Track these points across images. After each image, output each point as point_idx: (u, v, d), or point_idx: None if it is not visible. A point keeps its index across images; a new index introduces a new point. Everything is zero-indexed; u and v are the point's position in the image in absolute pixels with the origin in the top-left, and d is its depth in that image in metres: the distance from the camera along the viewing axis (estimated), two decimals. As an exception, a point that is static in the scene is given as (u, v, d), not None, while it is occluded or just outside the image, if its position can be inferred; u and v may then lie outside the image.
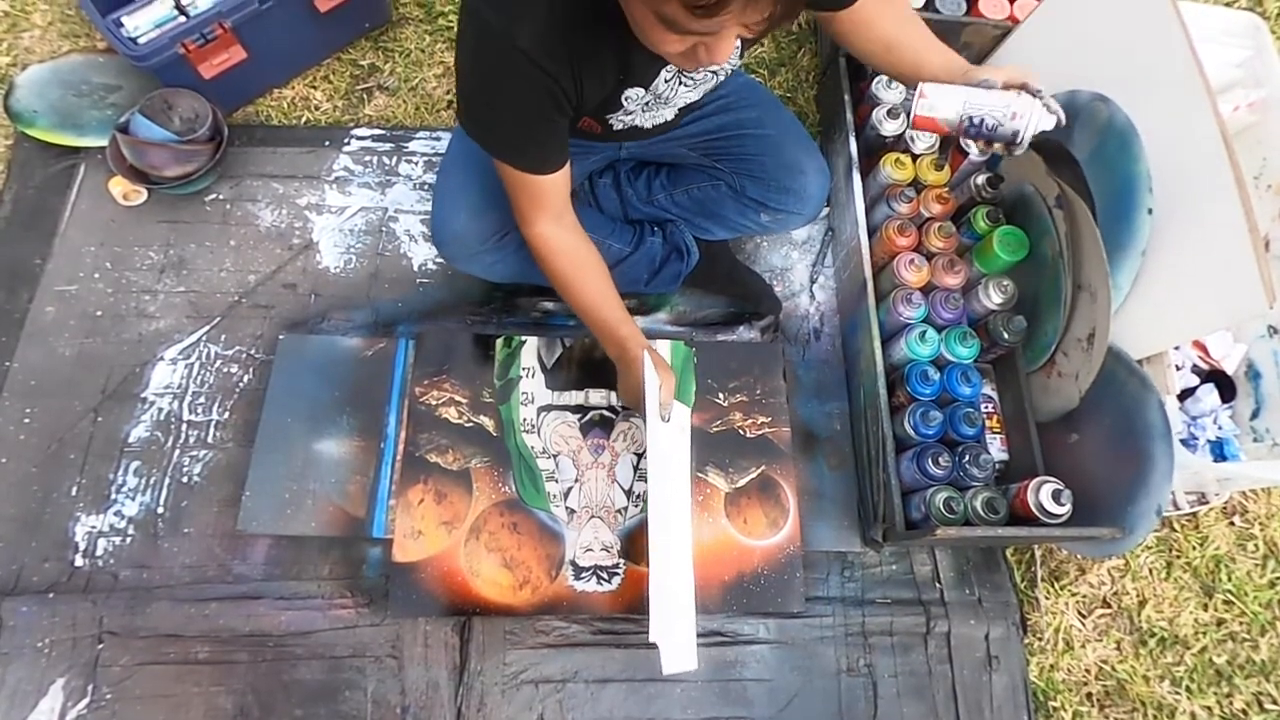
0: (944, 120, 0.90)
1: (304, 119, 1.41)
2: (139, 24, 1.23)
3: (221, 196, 1.34)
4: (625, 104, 0.92)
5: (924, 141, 1.27)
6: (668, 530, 1.04)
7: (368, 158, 1.39)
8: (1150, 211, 0.98)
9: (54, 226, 1.28)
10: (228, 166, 1.34)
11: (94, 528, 1.10)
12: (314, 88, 1.44)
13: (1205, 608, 1.21)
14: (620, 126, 0.97)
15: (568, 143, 0.90)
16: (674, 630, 0.99)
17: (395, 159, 1.39)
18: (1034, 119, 0.87)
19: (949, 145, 1.30)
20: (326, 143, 1.39)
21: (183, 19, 1.24)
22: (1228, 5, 1.72)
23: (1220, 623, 1.20)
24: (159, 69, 1.24)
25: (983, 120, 0.88)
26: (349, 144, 1.40)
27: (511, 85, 0.80)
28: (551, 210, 0.95)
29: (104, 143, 1.28)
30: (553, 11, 0.74)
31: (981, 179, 1.19)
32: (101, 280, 1.25)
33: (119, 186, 1.29)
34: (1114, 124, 1.03)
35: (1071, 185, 1.08)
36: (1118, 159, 1.03)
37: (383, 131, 1.41)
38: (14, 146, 1.33)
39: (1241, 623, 1.21)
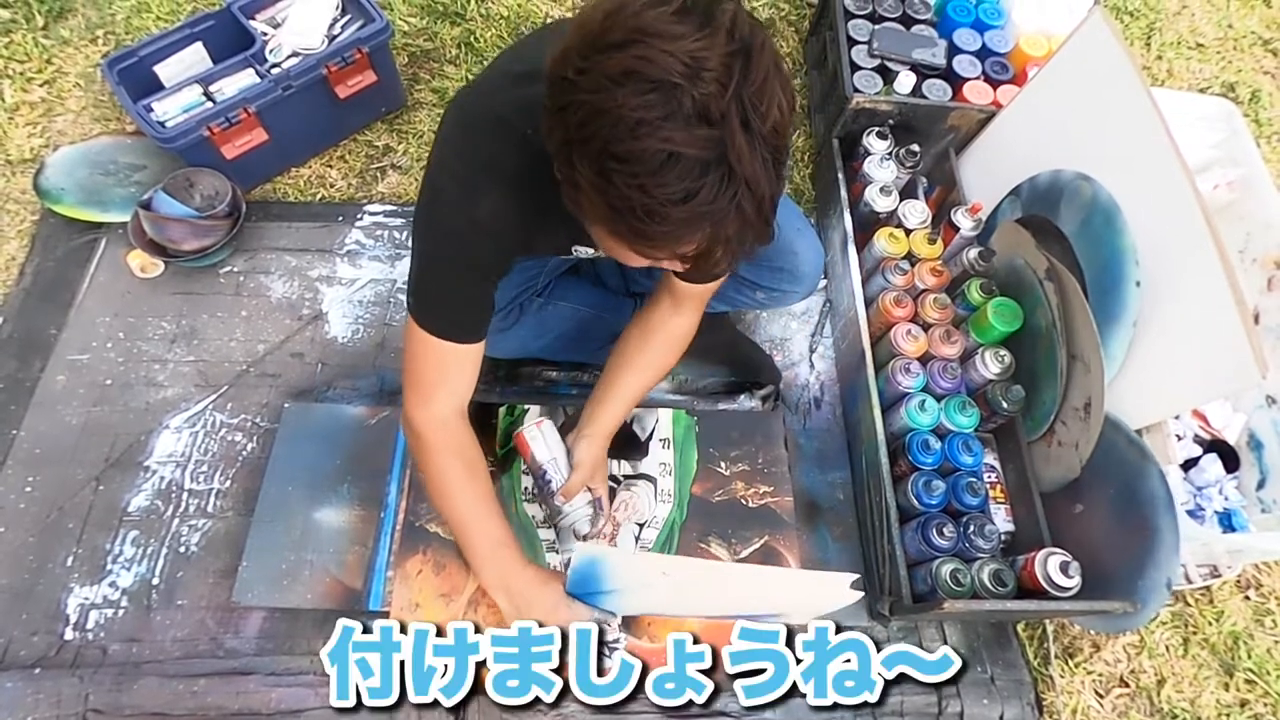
0: (534, 454, 1.09)
1: (319, 196, 1.47)
2: (168, 109, 1.30)
3: (236, 269, 1.38)
4: (576, 253, 0.96)
5: (915, 217, 1.32)
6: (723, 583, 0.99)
7: (379, 232, 1.44)
8: (1138, 284, 1.01)
9: (71, 298, 1.31)
10: (243, 240, 1.39)
11: (87, 599, 1.09)
12: (330, 166, 1.51)
13: (1226, 687, 1.17)
14: (582, 255, 0.98)
15: (488, 322, 0.89)
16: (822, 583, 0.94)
17: (405, 233, 1.44)
18: (578, 515, 1.08)
19: (941, 220, 1.34)
20: (340, 218, 1.44)
21: (209, 104, 1.32)
22: (1201, 92, 1.81)
23: (1244, 704, 1.16)
24: (184, 150, 1.30)
25: (549, 480, 1.08)
26: (361, 219, 1.45)
27: (457, 248, 0.81)
28: (452, 393, 0.91)
29: (126, 218, 1.33)
30: (506, 184, 0.76)
31: (974, 253, 1.23)
32: (113, 349, 1.28)
33: (137, 259, 1.34)
34: (1098, 201, 1.08)
35: (1060, 259, 1.11)
36: (1104, 234, 1.06)
37: (394, 207, 1.47)
38: (40, 222, 1.38)
39: (1266, 703, 1.16)
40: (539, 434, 1.10)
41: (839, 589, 0.91)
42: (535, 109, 0.62)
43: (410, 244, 0.91)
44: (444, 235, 0.82)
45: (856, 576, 0.93)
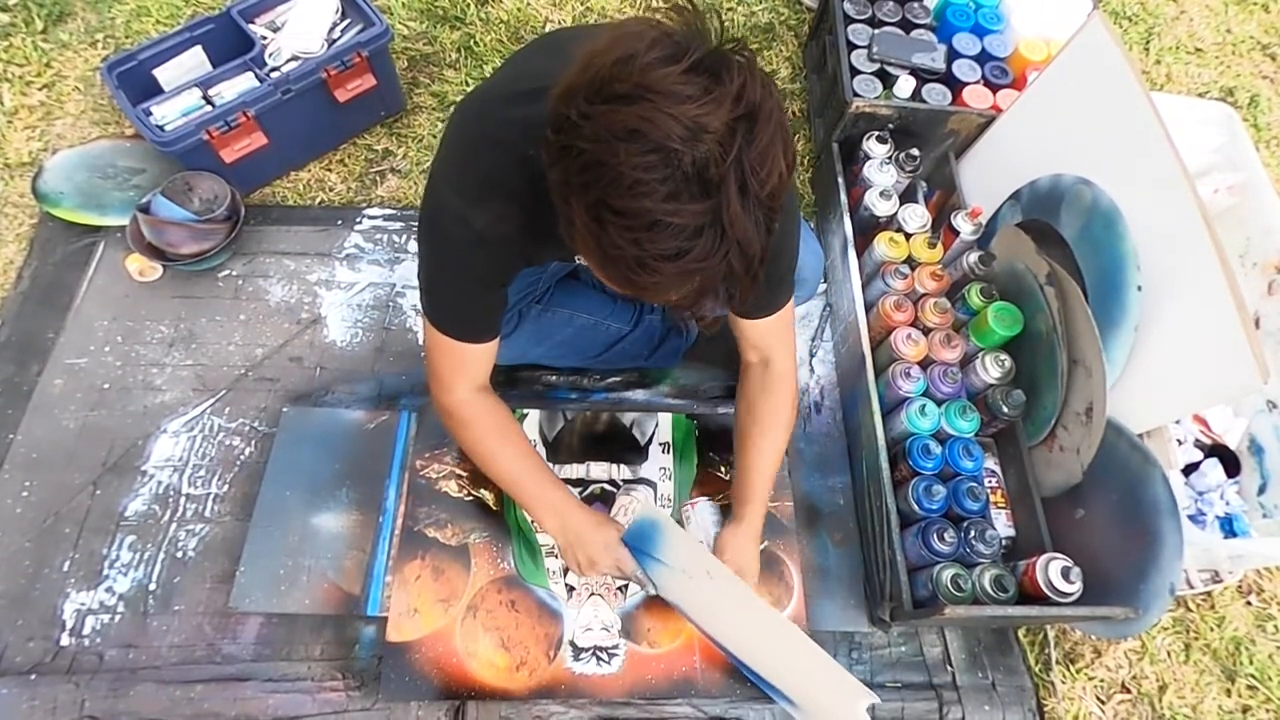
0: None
1: (318, 200, 1.47)
2: (167, 113, 1.30)
3: (235, 273, 1.37)
4: (580, 260, 0.96)
5: (915, 221, 1.32)
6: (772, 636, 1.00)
7: (378, 236, 1.44)
8: (1139, 288, 1.01)
9: (69, 301, 1.31)
10: (242, 244, 1.38)
11: (83, 605, 1.08)
12: (329, 170, 1.50)
13: (1228, 693, 1.16)
14: (581, 263, 1.00)
15: (501, 318, 0.92)
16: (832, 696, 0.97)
17: (405, 237, 1.44)
18: None
19: (941, 224, 1.34)
20: (339, 222, 1.44)
21: (209, 108, 1.31)
22: (1200, 97, 1.81)
23: (1245, 710, 1.16)
24: (183, 154, 1.30)
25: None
26: (360, 223, 1.45)
27: (461, 260, 0.83)
28: (477, 378, 0.95)
29: (125, 222, 1.33)
30: (509, 199, 0.76)
31: (974, 257, 1.23)
32: (111, 354, 1.27)
33: (136, 263, 1.33)
34: (1099, 205, 1.07)
35: (1061, 264, 1.11)
36: (1104, 238, 1.06)
37: (394, 211, 1.46)
38: (38, 225, 1.38)
39: (1268, 709, 1.16)
40: (693, 515, 1.11)
41: (851, 705, 0.92)
42: (536, 128, 0.62)
43: (417, 248, 0.92)
44: (449, 248, 0.82)
45: (876, 702, 0.97)
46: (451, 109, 1.59)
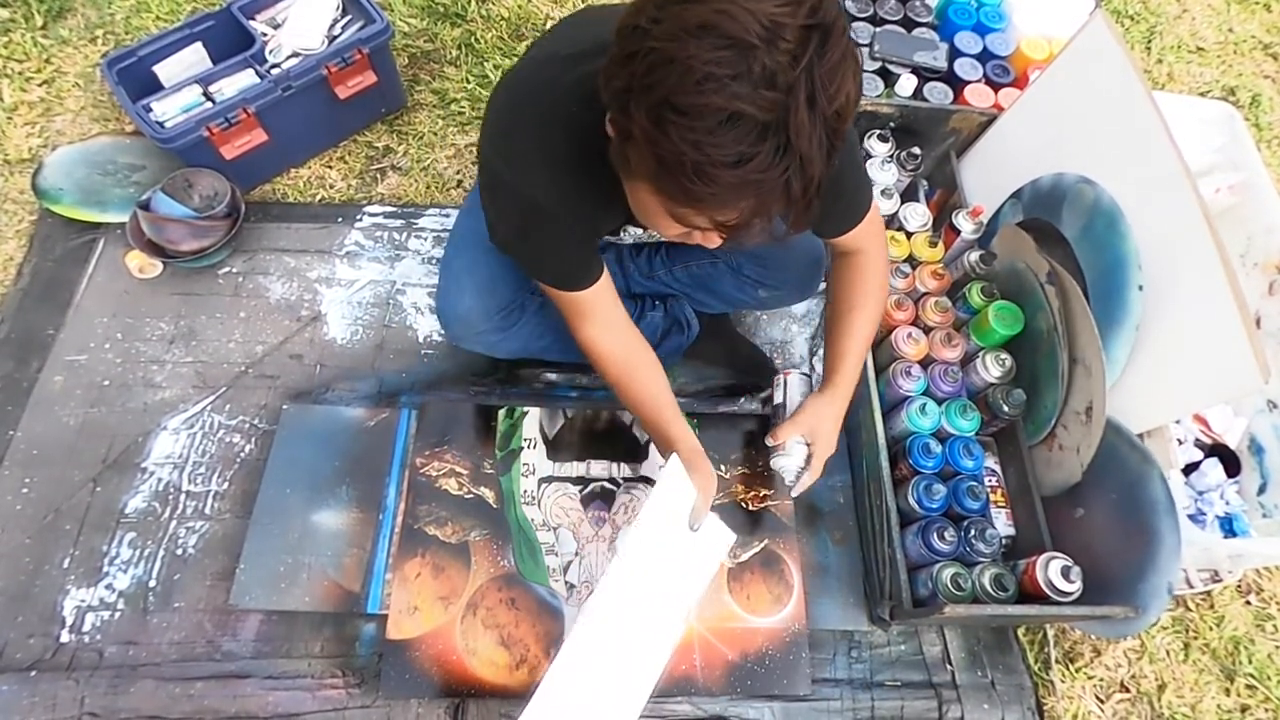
0: (773, 396, 1.15)
1: (319, 197, 1.47)
2: (167, 110, 1.30)
3: (235, 270, 1.37)
4: (622, 235, 0.97)
5: (916, 220, 1.32)
6: (630, 654, 0.91)
7: (379, 233, 1.43)
8: (1141, 288, 1.01)
9: (69, 298, 1.31)
10: (242, 241, 1.38)
11: (83, 601, 1.08)
12: (330, 167, 1.50)
13: (1227, 692, 1.17)
14: (626, 240, 1.02)
15: (599, 257, 0.92)
16: None
17: (405, 234, 1.44)
18: (785, 464, 1.06)
19: (942, 223, 1.34)
20: (339, 219, 1.44)
21: (209, 104, 1.31)
22: (1202, 96, 1.81)
23: (1244, 709, 1.16)
24: (183, 150, 1.30)
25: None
26: (361, 220, 1.44)
27: (533, 225, 0.83)
28: (596, 318, 0.95)
29: (125, 219, 1.32)
30: (556, 166, 0.76)
31: (975, 256, 1.23)
32: (111, 350, 1.27)
33: (136, 260, 1.33)
34: (1100, 204, 1.07)
35: (1062, 263, 1.11)
36: (1106, 237, 1.06)
37: (394, 208, 1.46)
38: (38, 222, 1.38)
39: (1267, 708, 1.16)
40: (783, 382, 1.14)
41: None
42: (583, 87, 0.62)
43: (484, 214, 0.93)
44: (515, 217, 0.83)
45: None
46: (451, 106, 1.59)
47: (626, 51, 0.58)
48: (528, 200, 0.80)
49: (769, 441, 1.07)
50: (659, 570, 0.92)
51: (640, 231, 0.97)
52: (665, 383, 0.99)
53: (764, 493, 1.22)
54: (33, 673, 1.03)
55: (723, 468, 1.24)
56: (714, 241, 0.71)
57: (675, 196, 0.62)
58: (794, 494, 1.07)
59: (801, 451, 1.05)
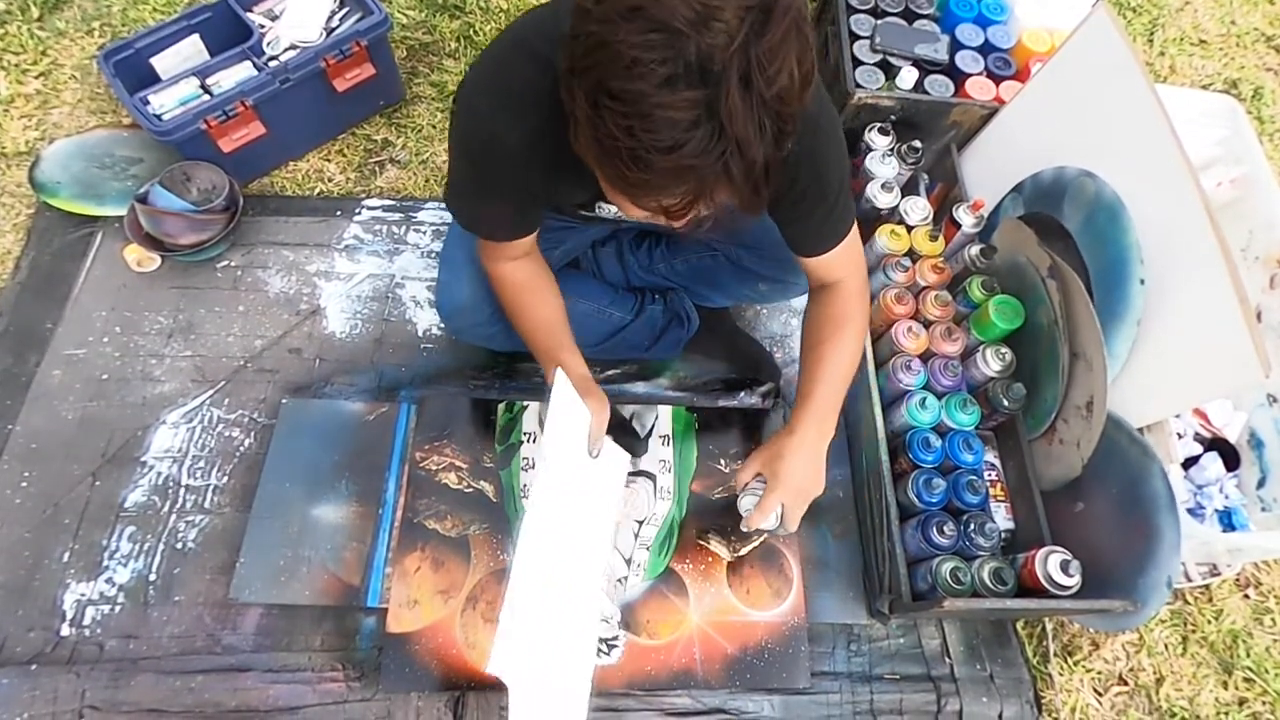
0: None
1: (317, 190, 1.46)
2: (164, 102, 1.29)
3: (233, 263, 1.37)
4: (599, 211, 0.96)
5: (917, 214, 1.31)
6: (566, 585, 0.92)
7: (377, 227, 1.43)
8: (1142, 282, 1.01)
9: (67, 292, 1.31)
10: (241, 235, 1.38)
11: (83, 595, 1.08)
12: (328, 160, 1.50)
13: (1225, 686, 1.17)
14: (605, 214, 0.99)
15: (539, 213, 0.92)
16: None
17: (404, 228, 1.43)
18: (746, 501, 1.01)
19: (942, 217, 1.34)
20: (338, 212, 1.43)
21: (206, 97, 1.30)
22: (1204, 89, 1.80)
23: (1242, 702, 1.16)
24: (181, 143, 1.29)
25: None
26: (360, 214, 1.44)
27: (490, 169, 0.82)
28: (509, 256, 0.96)
29: (123, 212, 1.32)
30: (544, 121, 0.73)
31: (975, 250, 1.22)
32: (110, 344, 1.27)
33: (134, 253, 1.33)
34: (1102, 198, 1.07)
35: (1064, 257, 1.11)
36: (1108, 231, 1.06)
37: (393, 202, 1.46)
38: (35, 215, 1.37)
39: (1264, 702, 1.16)
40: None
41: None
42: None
43: (447, 150, 0.93)
44: (473, 152, 0.82)
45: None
46: (450, 99, 1.58)
47: (573, 32, 0.57)
48: (495, 141, 0.78)
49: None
50: (573, 493, 0.95)
51: (616, 210, 0.95)
52: (565, 315, 1.00)
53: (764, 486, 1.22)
54: (33, 666, 1.03)
55: (722, 462, 1.24)
56: (675, 222, 0.68)
57: (615, 181, 0.61)
58: (744, 528, 1.00)
59: (760, 488, 0.99)
